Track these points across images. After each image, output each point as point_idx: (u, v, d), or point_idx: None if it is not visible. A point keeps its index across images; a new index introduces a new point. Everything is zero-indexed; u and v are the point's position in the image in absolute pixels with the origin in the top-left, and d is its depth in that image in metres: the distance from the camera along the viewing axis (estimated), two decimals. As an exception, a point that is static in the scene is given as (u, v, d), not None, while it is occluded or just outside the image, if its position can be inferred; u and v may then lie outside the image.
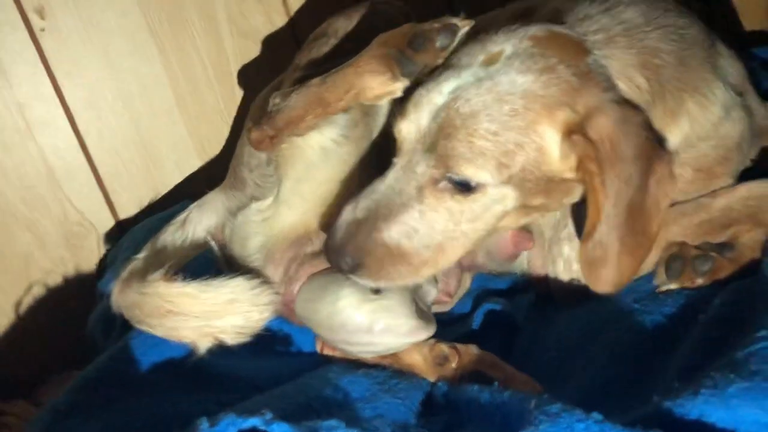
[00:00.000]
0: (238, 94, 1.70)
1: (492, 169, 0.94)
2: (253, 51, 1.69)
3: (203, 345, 1.04)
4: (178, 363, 1.07)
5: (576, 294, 1.12)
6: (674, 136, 1.04)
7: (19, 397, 1.53)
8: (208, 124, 1.70)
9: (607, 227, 0.94)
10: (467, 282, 1.30)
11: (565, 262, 1.12)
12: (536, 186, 0.97)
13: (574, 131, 0.93)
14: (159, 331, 1.05)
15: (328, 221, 1.10)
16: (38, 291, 1.62)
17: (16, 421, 1.43)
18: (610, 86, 0.97)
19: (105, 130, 1.61)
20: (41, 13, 1.51)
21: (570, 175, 0.98)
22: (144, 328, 1.07)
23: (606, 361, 0.99)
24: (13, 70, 1.51)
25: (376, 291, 1.05)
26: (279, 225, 1.18)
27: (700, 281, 1.08)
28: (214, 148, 1.71)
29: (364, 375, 1.04)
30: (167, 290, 1.05)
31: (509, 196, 0.97)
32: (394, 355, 1.09)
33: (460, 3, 1.83)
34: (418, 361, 1.08)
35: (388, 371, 1.07)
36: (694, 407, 0.70)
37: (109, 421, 0.96)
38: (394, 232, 0.98)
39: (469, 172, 0.95)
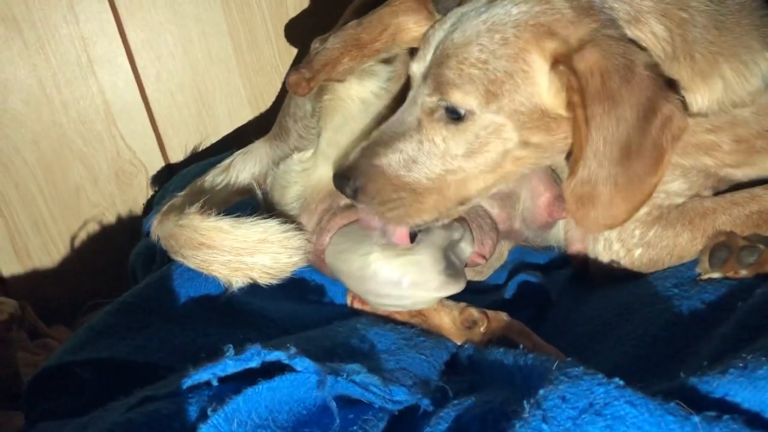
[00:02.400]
0: (294, 49, 1.71)
1: (479, 96, 0.95)
2: (312, 7, 1.70)
3: (235, 282, 1.06)
4: (212, 298, 1.09)
5: (614, 275, 1.10)
6: (702, 97, 1.00)
7: (61, 323, 1.59)
8: (262, 77, 1.71)
9: (596, 165, 0.92)
10: (504, 253, 1.29)
11: (605, 241, 1.10)
12: (531, 120, 0.96)
13: (561, 61, 0.92)
14: (192, 263, 1.08)
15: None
16: (88, 228, 1.67)
17: (56, 344, 1.48)
18: (612, 24, 0.94)
19: (163, 73, 1.64)
20: (113, -48, 1.54)
21: (564, 111, 0.96)
22: (179, 258, 1.10)
23: (638, 341, 0.97)
24: (80, 7, 1.55)
25: (409, 244, 1.05)
26: (317, 176, 1.19)
27: (743, 272, 1.04)
28: (267, 100, 1.73)
29: (392, 329, 1.05)
30: (201, 223, 1.08)
31: (505, 129, 0.97)
32: (423, 315, 1.09)
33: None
34: (447, 323, 1.08)
35: (416, 329, 1.07)
36: (720, 385, 0.68)
37: (141, 344, 0.99)
38: (392, 159, 1.00)
39: (457, 97, 0.96)
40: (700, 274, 1.05)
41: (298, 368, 0.77)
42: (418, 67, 1.03)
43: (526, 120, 0.96)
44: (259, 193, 1.30)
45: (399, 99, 1.13)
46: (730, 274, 1.05)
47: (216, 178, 1.31)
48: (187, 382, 0.77)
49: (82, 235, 1.67)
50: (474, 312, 1.06)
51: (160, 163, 1.68)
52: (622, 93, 0.90)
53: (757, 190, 1.06)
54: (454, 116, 0.97)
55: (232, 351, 0.78)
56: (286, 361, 0.78)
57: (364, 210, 1.04)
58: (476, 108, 0.96)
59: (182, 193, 1.26)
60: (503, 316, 1.06)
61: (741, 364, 0.70)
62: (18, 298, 1.52)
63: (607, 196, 0.93)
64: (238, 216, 1.10)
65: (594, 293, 1.12)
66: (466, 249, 1.11)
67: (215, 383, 0.77)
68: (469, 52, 0.95)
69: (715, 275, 1.06)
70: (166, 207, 1.20)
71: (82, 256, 1.67)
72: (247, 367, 0.77)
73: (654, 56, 0.95)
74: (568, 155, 1.02)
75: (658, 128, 0.91)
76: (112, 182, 1.66)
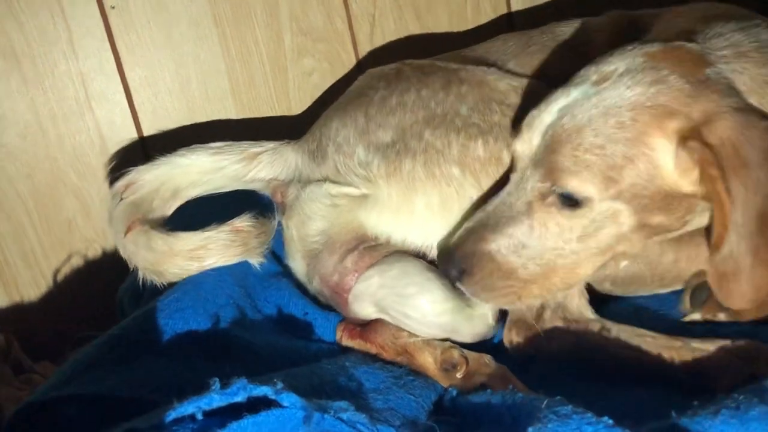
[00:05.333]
0: (292, 89, 1.73)
1: (598, 183, 0.92)
2: (311, 49, 1.73)
3: None
4: (200, 333, 1.08)
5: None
6: None
7: (47, 357, 1.56)
8: (259, 116, 1.73)
9: (736, 238, 0.87)
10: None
11: None
12: (652, 202, 0.93)
13: (690, 137, 0.89)
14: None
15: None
16: (77, 260, 1.66)
17: (41, 380, 1.46)
18: (732, 92, 0.92)
19: (160, 110, 1.65)
20: (113, -9, 1.57)
21: (690, 188, 0.93)
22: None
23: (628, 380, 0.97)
24: (81, 43, 1.57)
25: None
26: (350, 218, 1.14)
27: (721, 316, 1.05)
28: (262, 139, 1.74)
29: (381, 368, 1.04)
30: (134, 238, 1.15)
31: (622, 214, 0.94)
32: (408, 353, 1.09)
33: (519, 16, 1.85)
34: (430, 363, 1.07)
35: (405, 368, 1.06)
36: (712, 426, 0.68)
37: (127, 378, 0.97)
38: (502, 245, 0.97)
39: (573, 185, 0.93)
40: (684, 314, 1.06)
41: (285, 404, 0.76)
42: (522, 149, 1.00)
43: (648, 203, 0.93)
44: (274, 200, 1.27)
45: (499, 181, 1.09)
46: (709, 316, 1.06)
47: (234, 165, 1.26)
48: (172, 415, 0.76)
49: (72, 269, 1.65)
50: (455, 354, 1.05)
51: (153, 199, 1.68)
52: (756, 160, 0.87)
53: None
54: (570, 203, 0.94)
55: (218, 385, 0.77)
56: (273, 397, 0.77)
57: (468, 292, 1.02)
58: (595, 195, 0.93)
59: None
60: (486, 359, 1.05)
61: (733, 405, 0.70)
62: (4, 332, 1.50)
63: (749, 269, 0.88)
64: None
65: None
66: None
67: (200, 417, 0.76)
68: (582, 138, 0.92)
69: (696, 316, 1.07)
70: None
71: (72, 289, 1.66)
72: (233, 401, 0.76)
73: None
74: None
75: None
76: (105, 217, 1.65)
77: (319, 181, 1.18)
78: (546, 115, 0.98)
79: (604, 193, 0.92)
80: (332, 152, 1.17)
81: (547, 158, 0.95)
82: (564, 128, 0.94)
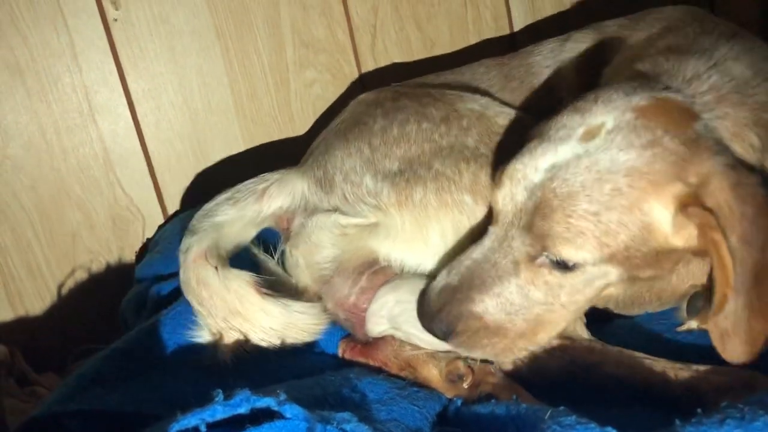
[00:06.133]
0: (294, 101, 1.74)
1: (592, 249, 0.90)
2: (312, 61, 1.73)
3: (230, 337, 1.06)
4: (203, 347, 1.08)
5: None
6: None
7: (51, 369, 1.57)
8: (261, 127, 1.73)
9: (735, 295, 0.87)
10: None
11: None
12: (644, 261, 0.93)
13: (689, 203, 0.89)
14: (213, 319, 1.08)
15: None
16: (81, 273, 1.67)
17: (46, 392, 1.46)
18: (721, 149, 0.92)
19: (162, 122, 1.66)
20: (116, 5, 1.58)
21: (683, 244, 0.92)
22: (195, 303, 1.09)
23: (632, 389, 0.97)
24: (84, 56, 1.58)
25: None
26: (360, 245, 1.14)
27: None
28: (266, 151, 1.74)
29: (385, 379, 1.04)
30: (252, 297, 1.08)
31: (612, 273, 0.94)
32: (412, 367, 1.09)
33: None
34: (434, 375, 1.07)
35: (409, 380, 1.06)
36: (715, 435, 0.68)
37: (131, 393, 0.97)
38: (489, 305, 0.97)
39: (568, 252, 0.91)
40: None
41: (288, 415, 0.76)
42: (504, 204, 0.98)
43: (639, 263, 0.93)
44: (279, 228, 1.26)
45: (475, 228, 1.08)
46: (704, 325, 1.05)
47: (248, 207, 1.22)
48: (175, 428, 0.76)
49: (77, 281, 1.66)
50: (460, 365, 1.05)
51: (157, 211, 1.69)
52: (749, 219, 0.86)
53: None
54: (562, 266, 0.93)
55: (221, 396, 0.77)
56: (276, 408, 0.77)
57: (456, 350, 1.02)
58: (589, 260, 0.92)
59: (220, 218, 1.20)
60: (491, 369, 1.05)
61: (738, 415, 0.70)
62: (9, 344, 1.50)
63: (744, 323, 0.88)
64: (281, 295, 1.11)
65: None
66: None
67: (203, 429, 0.76)
68: (576, 205, 0.90)
69: (693, 325, 1.07)
70: (201, 242, 1.14)
71: (76, 301, 1.66)
72: (236, 413, 0.76)
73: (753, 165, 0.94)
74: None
75: None
76: (108, 229, 1.66)
77: (328, 210, 1.17)
78: (531, 171, 0.94)
79: (597, 258, 0.91)
80: (340, 181, 1.17)
81: (537, 223, 0.93)
82: (555, 193, 0.91)
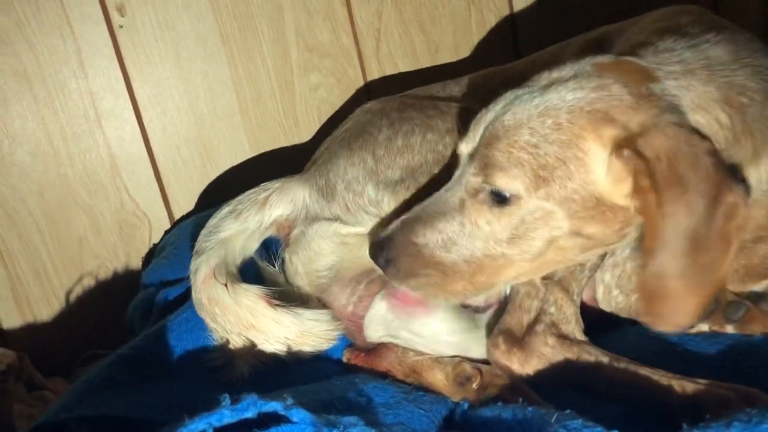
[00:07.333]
0: (299, 105, 1.75)
1: (527, 181, 0.91)
2: (317, 65, 1.74)
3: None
4: (210, 352, 1.09)
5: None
6: (752, 177, 0.97)
7: (59, 374, 1.57)
8: (266, 131, 1.74)
9: (665, 257, 0.85)
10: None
11: (605, 287, 1.10)
12: (584, 209, 0.92)
13: (625, 146, 0.88)
14: (230, 335, 1.10)
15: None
16: (88, 278, 1.67)
17: (54, 397, 1.46)
18: (673, 110, 0.91)
19: (168, 127, 1.67)
20: (122, 11, 1.59)
21: (623, 200, 0.92)
22: (209, 320, 1.10)
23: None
24: (90, 62, 1.59)
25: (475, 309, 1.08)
26: (359, 254, 1.15)
27: (729, 328, 1.05)
28: (271, 154, 1.75)
29: (391, 383, 1.04)
30: (263, 310, 1.10)
31: (554, 217, 0.93)
32: (416, 372, 1.10)
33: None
34: (440, 379, 1.08)
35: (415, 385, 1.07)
36: (723, 438, 0.68)
37: (138, 399, 0.98)
38: (430, 239, 0.97)
39: (502, 181, 0.92)
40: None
41: (294, 419, 0.77)
42: (465, 147, 1.01)
43: (579, 209, 0.92)
44: (279, 235, 1.26)
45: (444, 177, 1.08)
46: (716, 328, 1.05)
47: (251, 218, 1.23)
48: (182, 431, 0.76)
49: (84, 286, 1.67)
50: (467, 367, 1.06)
51: (163, 216, 1.70)
52: (691, 179, 0.85)
53: (745, 243, 1.05)
54: (499, 199, 0.94)
55: (228, 400, 0.78)
56: (282, 412, 0.77)
57: (392, 280, 1.02)
58: (523, 192, 0.92)
59: (224, 233, 1.21)
60: (498, 371, 1.05)
61: (745, 418, 0.70)
62: (17, 349, 1.51)
63: (677, 292, 0.86)
64: (292, 305, 1.13)
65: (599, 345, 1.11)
66: None
67: (210, 434, 0.76)
68: (519, 135, 0.92)
69: (704, 328, 1.07)
70: (209, 262, 1.16)
71: (83, 306, 1.67)
72: (243, 417, 0.76)
73: (716, 143, 0.92)
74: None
75: (723, 218, 0.85)
76: (115, 234, 1.67)
77: (328, 219, 1.19)
78: (491, 113, 0.98)
79: (533, 192, 0.92)
80: (342, 189, 1.19)
81: (482, 152, 0.95)
82: (503, 124, 0.94)
